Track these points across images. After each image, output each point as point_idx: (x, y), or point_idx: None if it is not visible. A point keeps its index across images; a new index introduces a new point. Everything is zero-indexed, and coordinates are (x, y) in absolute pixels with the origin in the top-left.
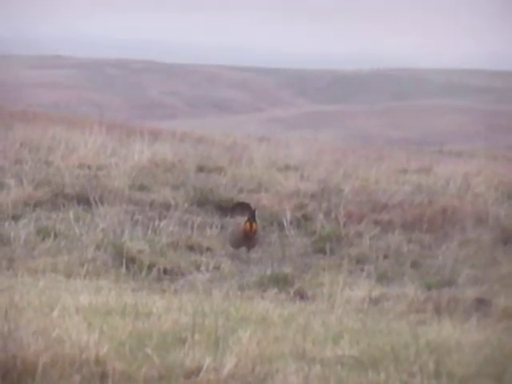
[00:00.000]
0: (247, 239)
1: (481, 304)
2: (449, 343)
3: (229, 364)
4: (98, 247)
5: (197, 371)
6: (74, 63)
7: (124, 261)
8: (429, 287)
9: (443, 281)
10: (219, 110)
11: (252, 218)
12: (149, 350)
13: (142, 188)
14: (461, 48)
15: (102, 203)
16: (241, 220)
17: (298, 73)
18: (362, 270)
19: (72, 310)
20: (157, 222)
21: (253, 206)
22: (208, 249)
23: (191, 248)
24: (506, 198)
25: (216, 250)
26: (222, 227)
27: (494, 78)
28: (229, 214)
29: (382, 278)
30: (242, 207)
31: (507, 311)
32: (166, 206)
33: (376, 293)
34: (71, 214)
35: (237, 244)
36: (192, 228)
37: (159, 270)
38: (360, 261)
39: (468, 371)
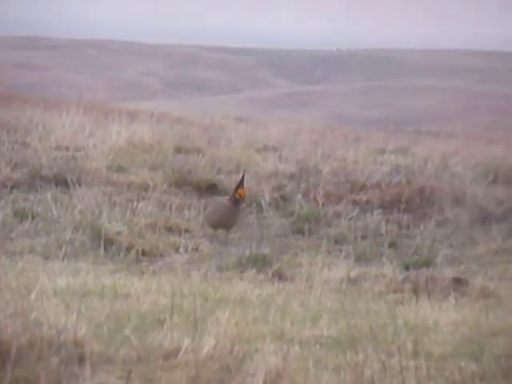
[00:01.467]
0: (235, 212)
1: (458, 284)
2: (427, 323)
3: (207, 345)
4: (75, 229)
5: (175, 352)
6: (51, 44)
7: (102, 242)
8: (407, 267)
9: (421, 261)
10: (197, 91)
11: (241, 185)
12: (127, 332)
13: (119, 169)
14: (440, 28)
15: (79, 185)
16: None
17: (276, 53)
18: (341, 250)
19: (50, 292)
20: (135, 204)
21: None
22: (186, 230)
23: (170, 229)
24: (484, 178)
25: (195, 232)
26: (201, 208)
27: (475, 58)
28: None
29: (361, 259)
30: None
31: (484, 291)
32: (144, 187)
33: (354, 273)
34: (49, 196)
35: (220, 221)
36: (170, 209)
37: (137, 251)
38: (338, 241)
39: (446, 351)
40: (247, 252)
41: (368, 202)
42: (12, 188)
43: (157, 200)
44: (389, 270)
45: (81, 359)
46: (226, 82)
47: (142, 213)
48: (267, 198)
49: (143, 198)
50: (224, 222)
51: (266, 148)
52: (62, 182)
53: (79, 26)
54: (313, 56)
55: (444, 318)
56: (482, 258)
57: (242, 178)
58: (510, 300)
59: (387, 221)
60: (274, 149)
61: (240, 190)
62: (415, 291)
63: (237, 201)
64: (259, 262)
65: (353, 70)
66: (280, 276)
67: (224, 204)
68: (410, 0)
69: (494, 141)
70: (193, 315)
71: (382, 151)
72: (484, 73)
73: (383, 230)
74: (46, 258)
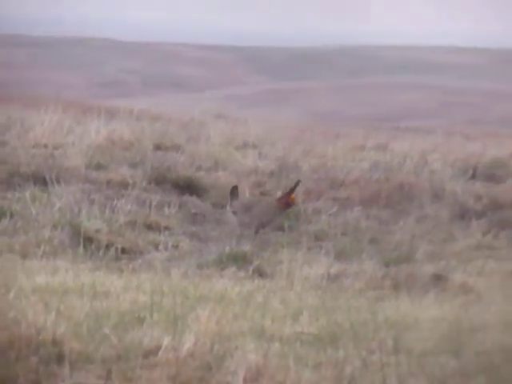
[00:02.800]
0: (281, 215)
1: (438, 280)
2: (407, 319)
3: (187, 343)
4: (54, 227)
5: (155, 350)
6: (30, 42)
7: (81, 240)
8: (387, 263)
9: (401, 257)
10: (177, 88)
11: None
12: (107, 330)
13: (98, 167)
14: (419, 25)
15: (58, 182)
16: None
17: (255, 50)
18: (321, 247)
19: (28, 290)
20: (114, 201)
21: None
22: (166, 227)
23: (149, 227)
24: (463, 174)
25: (174, 229)
26: (180, 206)
27: (454, 54)
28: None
29: (341, 255)
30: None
31: (464, 287)
32: (124, 185)
33: (335, 270)
34: (27, 194)
35: (268, 222)
36: (150, 207)
37: (117, 249)
38: (319, 238)
39: (426, 347)
40: (227, 249)
41: (348, 198)
42: None
43: (136, 197)
44: (369, 266)
45: (60, 358)
46: (205, 79)
47: (122, 210)
48: (247, 194)
49: (122, 196)
50: (272, 222)
51: (245, 145)
52: (40, 180)
53: (58, 24)
54: (292, 53)
55: (424, 314)
56: (462, 254)
57: (297, 184)
58: (490, 296)
59: (367, 217)
60: (254, 146)
61: (293, 196)
62: (395, 287)
63: (288, 205)
64: (239, 259)
65: (332, 67)
66: (260, 273)
67: (274, 206)
68: None
69: (472, 137)
70: (173, 313)
71: (362, 148)
72: (463, 69)
73: (363, 226)
74: (25, 256)
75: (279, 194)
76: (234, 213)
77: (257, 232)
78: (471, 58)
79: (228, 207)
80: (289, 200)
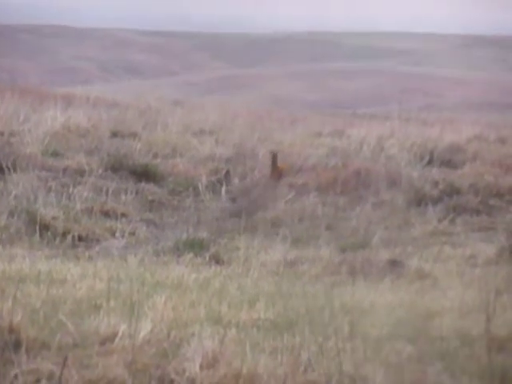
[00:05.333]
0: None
1: (394, 265)
2: (363, 305)
3: (144, 330)
4: (11, 214)
5: (112, 337)
6: None
7: (38, 228)
8: (343, 249)
9: (357, 243)
10: (132, 75)
11: None
12: (63, 317)
13: (55, 154)
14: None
15: (14, 170)
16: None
17: (212, 36)
18: (278, 233)
19: None
20: (71, 189)
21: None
22: (123, 214)
23: (106, 214)
24: (419, 160)
25: (131, 216)
26: (137, 193)
27: (410, 40)
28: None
29: (298, 241)
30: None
31: (420, 272)
32: (80, 172)
33: (291, 256)
34: None
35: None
36: (107, 194)
37: (74, 236)
38: (275, 224)
39: (382, 332)
40: (184, 236)
41: (304, 184)
42: None
43: (93, 185)
44: (325, 252)
45: (16, 345)
46: (161, 65)
47: (78, 198)
48: (204, 181)
49: (79, 183)
50: (268, 199)
51: (202, 132)
52: None
53: (11, 11)
54: (249, 39)
55: (380, 299)
56: (418, 240)
57: (275, 156)
58: (446, 281)
59: (323, 203)
60: (211, 132)
61: (280, 166)
62: (352, 273)
63: (281, 175)
64: (196, 246)
65: (290, 53)
66: (217, 259)
67: (270, 182)
68: None
69: (429, 123)
70: (129, 300)
71: (319, 134)
72: (419, 55)
73: (320, 212)
74: None
75: (236, 180)
76: (233, 199)
77: (252, 214)
78: (429, 43)
79: (223, 192)
80: (280, 171)
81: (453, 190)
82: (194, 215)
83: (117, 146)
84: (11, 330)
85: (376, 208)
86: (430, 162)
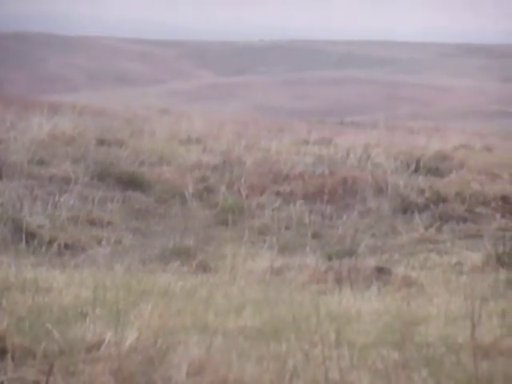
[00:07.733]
0: None
1: (381, 273)
2: (349, 312)
3: (130, 337)
4: None
5: (98, 345)
6: None
7: (24, 236)
8: (330, 257)
9: (344, 251)
10: (120, 83)
11: None
12: (49, 325)
13: (41, 162)
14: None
15: (0, 178)
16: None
17: (198, 45)
18: (264, 241)
19: None
20: (57, 197)
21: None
22: (109, 223)
23: (92, 222)
24: (406, 168)
25: (117, 224)
26: (124, 201)
27: (397, 48)
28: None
29: (284, 249)
30: None
31: (406, 280)
32: (66, 180)
33: (278, 263)
34: None
35: None
36: (93, 202)
37: (60, 244)
38: (262, 232)
39: (368, 340)
40: (171, 244)
41: (291, 192)
42: None
43: (79, 193)
44: (312, 260)
45: (2, 353)
46: (148, 73)
47: (64, 206)
48: (191, 189)
49: (65, 191)
50: None
51: (189, 140)
52: None
53: None
54: (235, 47)
55: (366, 307)
56: (404, 248)
57: None
58: (432, 289)
59: (310, 211)
60: (198, 140)
61: None
62: (338, 281)
63: None
64: (183, 254)
65: (276, 61)
66: (204, 267)
67: None
68: None
69: (415, 131)
70: (115, 308)
71: (305, 142)
72: (405, 63)
73: (306, 220)
74: None
75: (223, 188)
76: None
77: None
78: (415, 52)
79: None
80: None
81: (439, 198)
82: (180, 223)
83: (103, 154)
84: None
85: (363, 216)
86: (416, 170)
